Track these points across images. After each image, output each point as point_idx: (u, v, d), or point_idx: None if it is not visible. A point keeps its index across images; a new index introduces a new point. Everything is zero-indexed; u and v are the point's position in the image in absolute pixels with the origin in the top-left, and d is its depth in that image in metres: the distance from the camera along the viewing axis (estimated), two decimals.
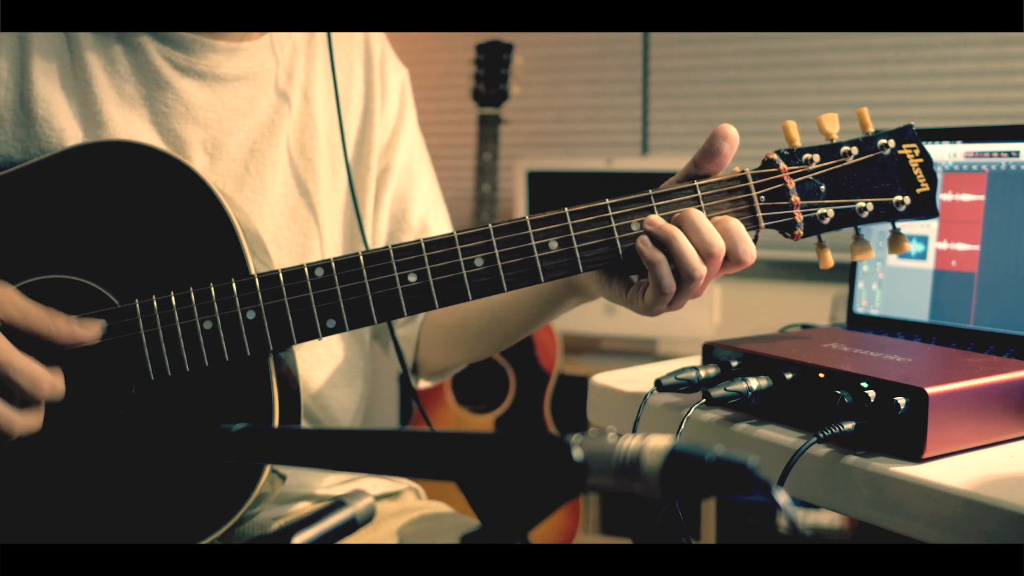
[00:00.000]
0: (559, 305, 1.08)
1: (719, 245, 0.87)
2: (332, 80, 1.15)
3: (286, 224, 1.11)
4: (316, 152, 1.14)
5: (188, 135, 1.05)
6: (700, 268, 0.87)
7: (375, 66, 1.21)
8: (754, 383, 0.87)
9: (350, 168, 1.15)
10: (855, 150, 0.91)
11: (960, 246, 1.09)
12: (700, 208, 0.89)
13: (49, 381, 0.86)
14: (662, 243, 0.87)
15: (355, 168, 1.19)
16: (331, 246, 1.16)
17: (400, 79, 1.26)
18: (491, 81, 2.70)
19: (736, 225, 0.88)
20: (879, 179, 0.91)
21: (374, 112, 1.20)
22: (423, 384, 1.30)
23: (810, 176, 0.91)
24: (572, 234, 0.89)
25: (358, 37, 1.21)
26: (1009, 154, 1.05)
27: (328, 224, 1.15)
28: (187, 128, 1.05)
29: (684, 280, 0.87)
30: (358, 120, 1.19)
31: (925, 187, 0.91)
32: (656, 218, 0.89)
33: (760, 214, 0.90)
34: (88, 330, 0.88)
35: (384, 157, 1.22)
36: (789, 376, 0.86)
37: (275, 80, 1.11)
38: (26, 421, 0.86)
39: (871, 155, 0.91)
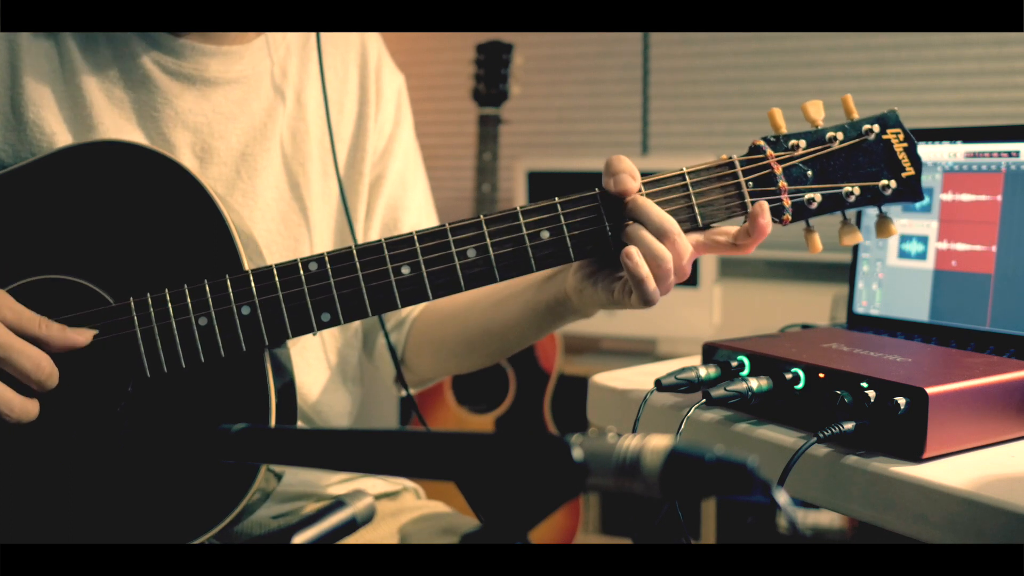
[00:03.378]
0: (552, 323, 1.07)
1: (670, 223, 0.88)
2: (327, 86, 1.15)
3: (277, 228, 1.11)
4: (308, 156, 1.13)
5: (177, 139, 1.05)
6: (662, 253, 0.87)
7: (371, 71, 1.21)
8: (754, 383, 0.87)
9: (340, 174, 1.14)
10: (840, 136, 0.92)
11: (960, 246, 1.09)
12: (688, 195, 0.90)
13: (50, 365, 0.88)
14: (630, 240, 0.88)
15: (348, 173, 1.18)
16: (321, 251, 1.15)
17: (397, 85, 1.25)
18: (491, 81, 2.70)
19: (767, 218, 0.89)
20: (865, 164, 0.92)
21: (368, 118, 1.19)
22: (405, 391, 1.28)
23: (797, 162, 0.91)
24: (563, 223, 0.90)
25: (354, 41, 1.21)
26: (1009, 154, 1.05)
27: (319, 229, 1.15)
28: (176, 132, 1.05)
29: (654, 266, 0.88)
30: (352, 125, 1.19)
31: (910, 171, 0.92)
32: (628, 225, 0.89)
33: (748, 200, 0.91)
34: (81, 335, 0.89)
35: (379, 165, 1.22)
36: (789, 376, 0.86)
37: (267, 84, 1.11)
38: (23, 405, 0.87)
39: (856, 140, 0.92)
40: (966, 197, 1.08)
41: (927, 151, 1.09)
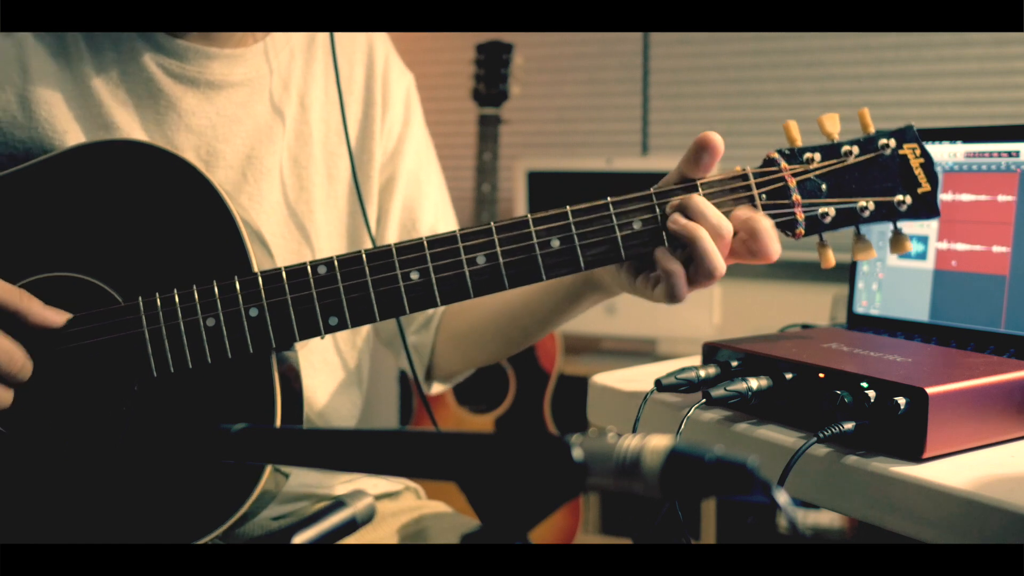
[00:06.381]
0: (577, 301, 1.07)
1: (728, 227, 0.88)
2: (331, 86, 1.14)
3: (281, 232, 1.11)
4: (311, 160, 1.13)
5: (181, 142, 1.05)
6: (722, 267, 0.87)
7: (377, 73, 1.20)
8: (754, 383, 0.87)
9: (356, 173, 1.14)
10: (856, 150, 0.91)
11: (960, 246, 1.09)
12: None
13: (22, 356, 0.88)
14: (686, 242, 0.88)
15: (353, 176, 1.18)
16: (328, 255, 1.15)
17: (405, 84, 1.24)
18: (491, 81, 2.70)
19: (769, 223, 0.88)
20: (880, 179, 0.91)
21: (374, 120, 1.19)
22: (436, 389, 1.28)
23: (811, 175, 0.91)
24: (574, 232, 0.89)
25: (361, 42, 1.20)
26: (1009, 154, 1.05)
27: (324, 233, 1.14)
28: (180, 135, 1.05)
29: (703, 277, 0.88)
30: (356, 128, 1.18)
31: (926, 187, 0.91)
32: (679, 216, 0.88)
33: (761, 212, 0.90)
34: (58, 315, 0.90)
35: (389, 166, 1.21)
36: (789, 376, 0.86)
37: (271, 86, 1.10)
38: None
39: (872, 155, 0.91)
40: (966, 197, 1.08)
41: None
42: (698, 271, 0.88)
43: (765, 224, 0.88)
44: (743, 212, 0.89)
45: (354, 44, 1.19)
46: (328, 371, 1.17)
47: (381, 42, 1.23)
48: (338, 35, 1.17)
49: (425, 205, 1.23)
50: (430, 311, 1.23)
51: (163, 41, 1.04)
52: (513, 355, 1.23)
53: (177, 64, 1.04)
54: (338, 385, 1.18)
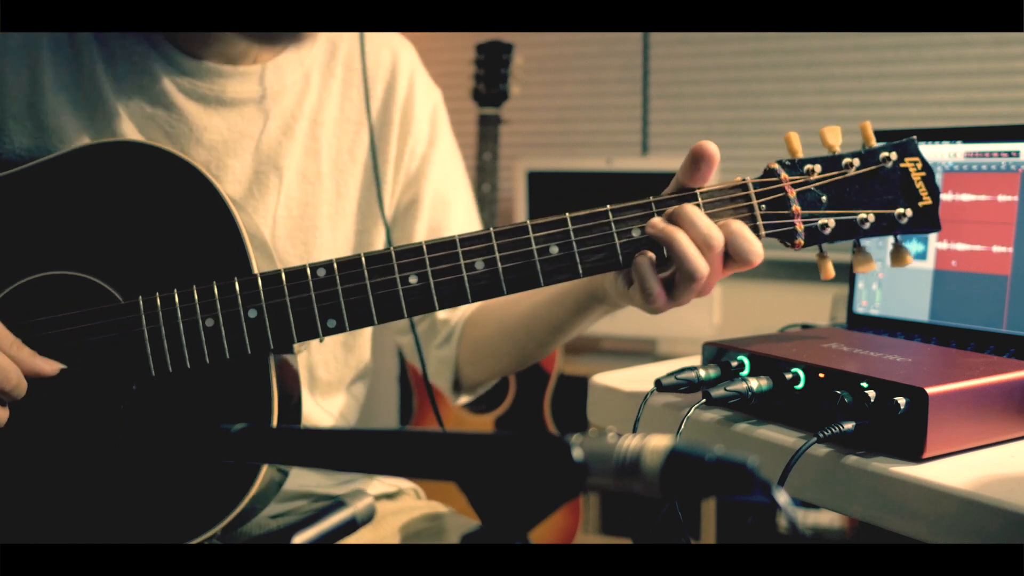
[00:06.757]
0: (584, 314, 1.07)
1: (718, 237, 0.87)
2: (347, 103, 1.14)
3: (286, 248, 1.11)
4: (319, 177, 1.13)
5: (191, 155, 1.05)
6: (702, 267, 0.86)
7: (397, 96, 1.19)
8: (754, 383, 0.87)
9: (380, 191, 1.14)
10: (857, 162, 0.91)
11: (960, 246, 1.09)
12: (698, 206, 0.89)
13: (17, 375, 0.88)
14: (664, 245, 0.87)
15: (364, 195, 1.17)
16: None
17: (432, 103, 1.24)
18: (491, 81, 2.70)
19: (739, 225, 0.88)
20: (881, 191, 0.91)
21: (388, 142, 1.18)
22: (463, 399, 1.29)
23: (811, 186, 0.91)
24: (573, 239, 0.89)
25: (385, 58, 1.19)
26: (1009, 154, 1.05)
27: (331, 250, 1.14)
28: (190, 149, 1.05)
29: (685, 279, 0.87)
30: (365, 152, 1.18)
31: (928, 200, 0.91)
32: (657, 220, 0.88)
33: (761, 222, 0.90)
34: (48, 365, 0.90)
35: (412, 188, 1.21)
36: (789, 376, 0.86)
37: (283, 104, 1.10)
38: None
39: (873, 167, 0.91)
40: (966, 197, 1.08)
41: (927, 151, 1.09)
42: (680, 274, 0.87)
43: (736, 226, 0.88)
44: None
45: (378, 59, 1.18)
46: (316, 386, 1.17)
47: (407, 59, 1.22)
48: (365, 44, 1.16)
49: (452, 227, 1.22)
50: (451, 324, 1.23)
51: (177, 58, 1.04)
52: (531, 365, 1.23)
53: (189, 81, 1.05)
54: (318, 398, 1.18)
